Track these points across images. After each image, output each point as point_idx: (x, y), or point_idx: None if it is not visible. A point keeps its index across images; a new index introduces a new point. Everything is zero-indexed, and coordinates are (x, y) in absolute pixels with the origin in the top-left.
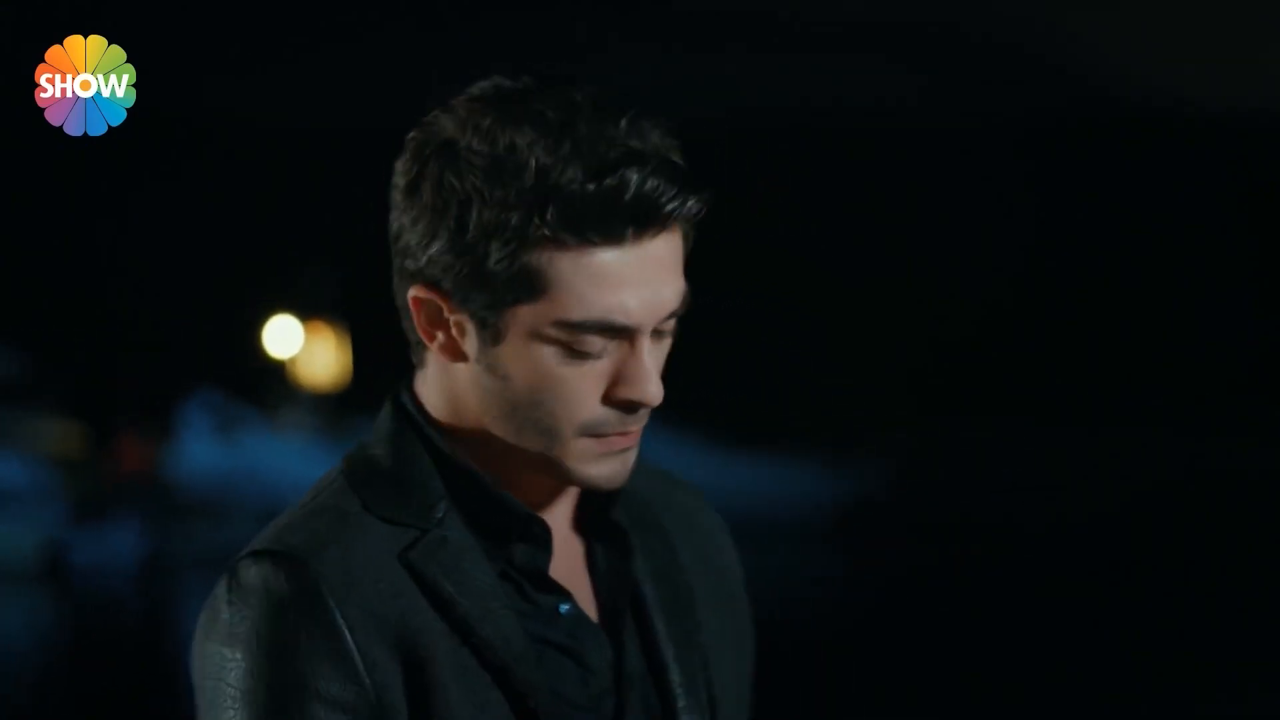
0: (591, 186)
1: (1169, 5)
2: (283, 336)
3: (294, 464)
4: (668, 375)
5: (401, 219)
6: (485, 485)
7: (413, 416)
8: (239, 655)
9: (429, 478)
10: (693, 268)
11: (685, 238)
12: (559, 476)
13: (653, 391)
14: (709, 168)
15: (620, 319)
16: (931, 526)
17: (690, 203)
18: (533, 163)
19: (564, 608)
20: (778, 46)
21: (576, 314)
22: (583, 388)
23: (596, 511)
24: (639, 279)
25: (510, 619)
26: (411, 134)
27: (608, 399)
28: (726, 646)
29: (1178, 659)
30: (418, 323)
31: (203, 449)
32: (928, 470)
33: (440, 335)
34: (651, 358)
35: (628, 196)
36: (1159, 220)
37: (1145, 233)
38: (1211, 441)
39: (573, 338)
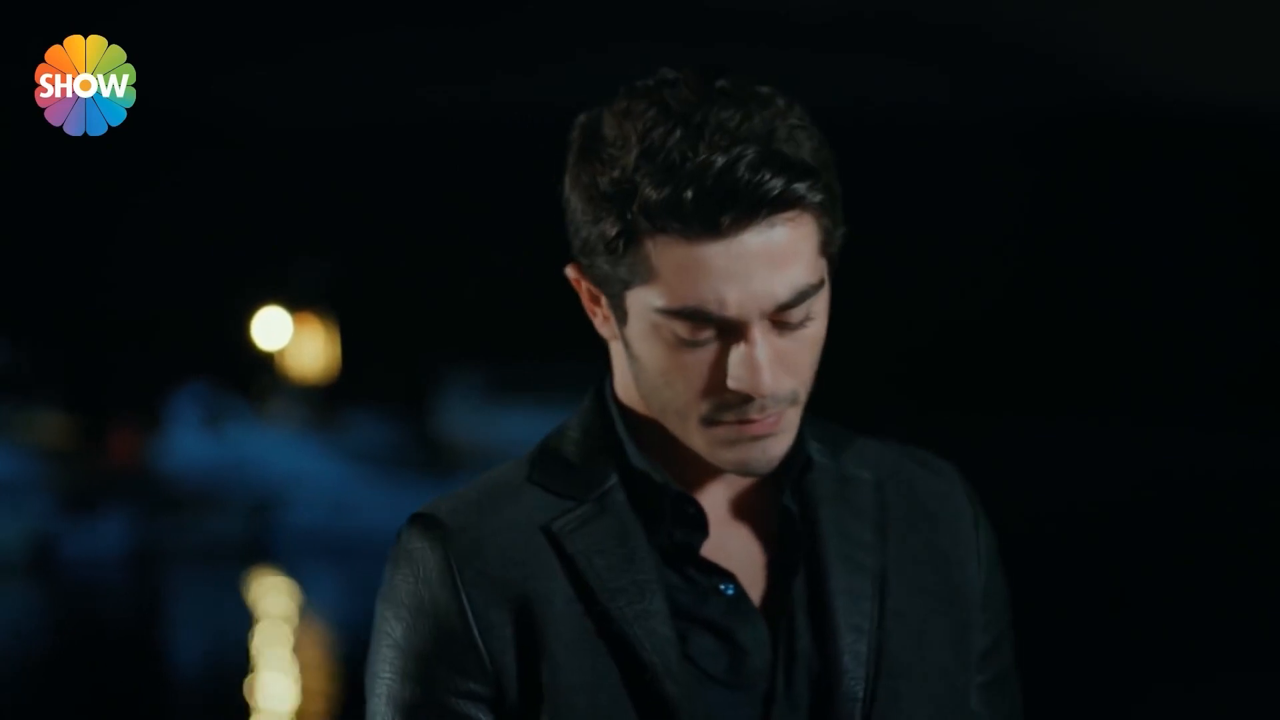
0: (681, 174)
1: (1169, 5)
2: (271, 328)
3: (282, 455)
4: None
5: (566, 201)
6: (641, 463)
7: (604, 397)
8: (388, 613)
9: (604, 456)
10: None
11: (820, 227)
12: (719, 466)
13: (757, 383)
14: None
15: (714, 309)
16: None
17: (796, 191)
18: (635, 151)
19: (727, 588)
20: (774, 43)
21: (672, 302)
22: (696, 376)
23: (770, 495)
24: (736, 270)
25: (648, 594)
26: (579, 118)
27: (721, 388)
28: (936, 637)
29: (1177, 657)
30: (583, 300)
31: (191, 441)
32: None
33: (598, 314)
34: (766, 349)
35: (713, 184)
36: (1160, 219)
37: (1146, 232)
38: (1212, 438)
39: (676, 325)
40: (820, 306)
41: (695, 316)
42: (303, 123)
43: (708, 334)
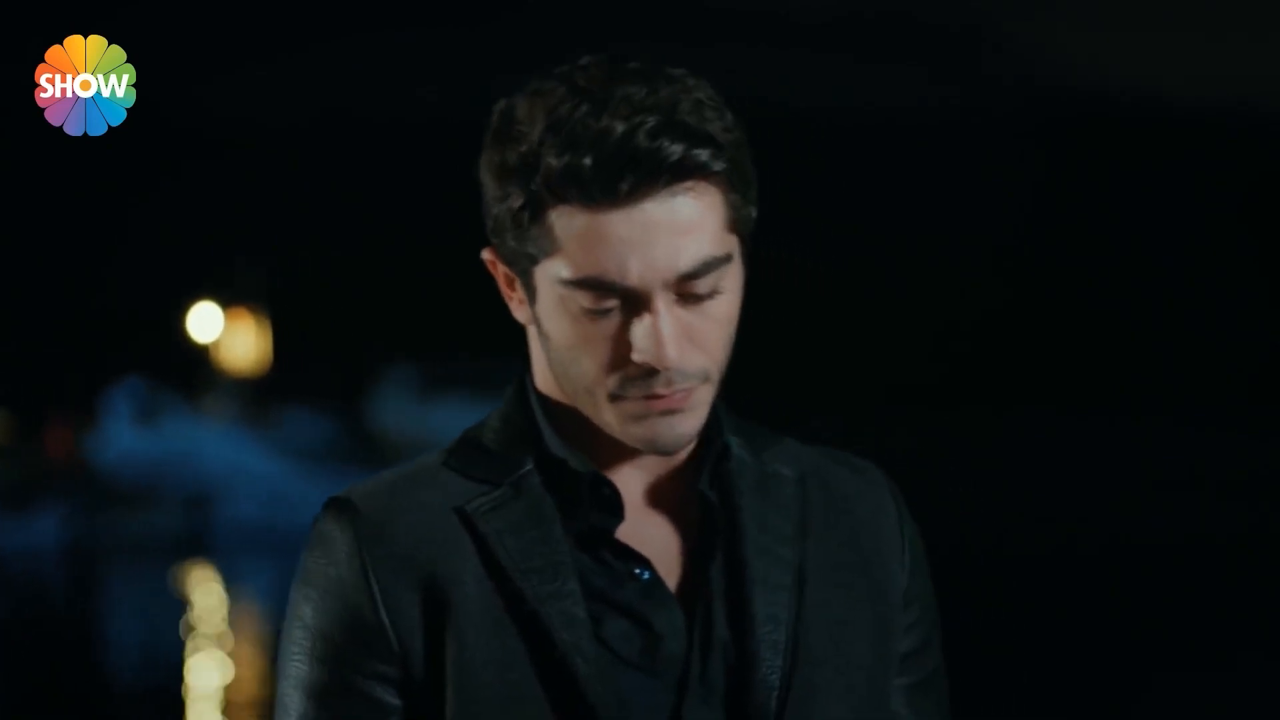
0: (581, 142)
1: (1170, 6)
2: (205, 323)
3: (218, 450)
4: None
5: (480, 183)
6: (558, 449)
7: (524, 387)
8: (298, 595)
9: (522, 443)
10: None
11: (726, 202)
12: (618, 438)
13: (661, 355)
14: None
15: (616, 278)
16: (926, 523)
17: (696, 158)
18: (541, 125)
19: (643, 573)
20: (774, 43)
21: (575, 272)
22: (602, 349)
23: (689, 483)
24: (637, 238)
25: (561, 575)
26: (497, 103)
27: (626, 361)
28: (855, 631)
29: (1177, 658)
30: (500, 285)
31: (127, 435)
32: (926, 464)
33: (513, 298)
34: (670, 321)
35: (612, 150)
36: (1160, 219)
37: (1146, 232)
38: (1218, 437)
39: (580, 296)
40: (730, 283)
41: (598, 286)
42: (235, 121)
43: (612, 304)
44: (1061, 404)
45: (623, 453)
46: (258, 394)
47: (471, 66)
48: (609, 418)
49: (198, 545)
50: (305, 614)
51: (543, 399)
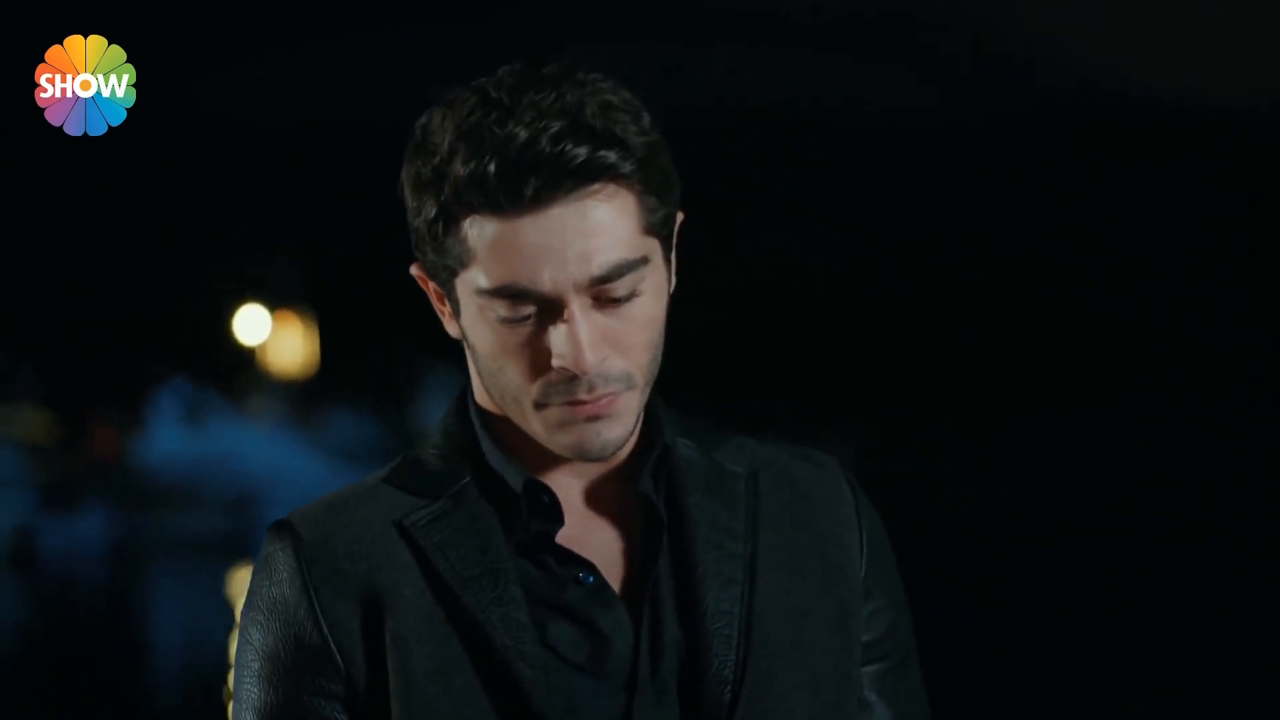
0: (486, 150)
1: (1170, 6)
2: (251, 325)
3: (262, 451)
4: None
5: (401, 199)
6: (496, 460)
7: (464, 399)
8: (246, 619)
9: (461, 457)
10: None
11: (641, 205)
12: (547, 447)
13: (580, 359)
14: (699, 164)
15: (529, 285)
16: (926, 522)
17: (602, 160)
18: (451, 135)
19: (586, 578)
20: (773, 42)
21: (490, 282)
22: (522, 357)
23: (632, 485)
24: (547, 244)
25: (502, 581)
26: (419, 119)
27: (546, 368)
28: (814, 619)
29: (1173, 656)
30: (432, 301)
31: (171, 436)
32: (916, 464)
33: (445, 312)
34: (587, 326)
35: (515, 156)
36: (1161, 220)
37: (1147, 232)
38: (1214, 439)
39: (497, 305)
40: (650, 285)
41: (512, 294)
42: (279, 121)
43: (529, 312)
44: (1062, 404)
45: (561, 462)
46: (303, 396)
47: (484, 66)
48: (536, 426)
49: (241, 546)
50: (254, 637)
51: (481, 411)
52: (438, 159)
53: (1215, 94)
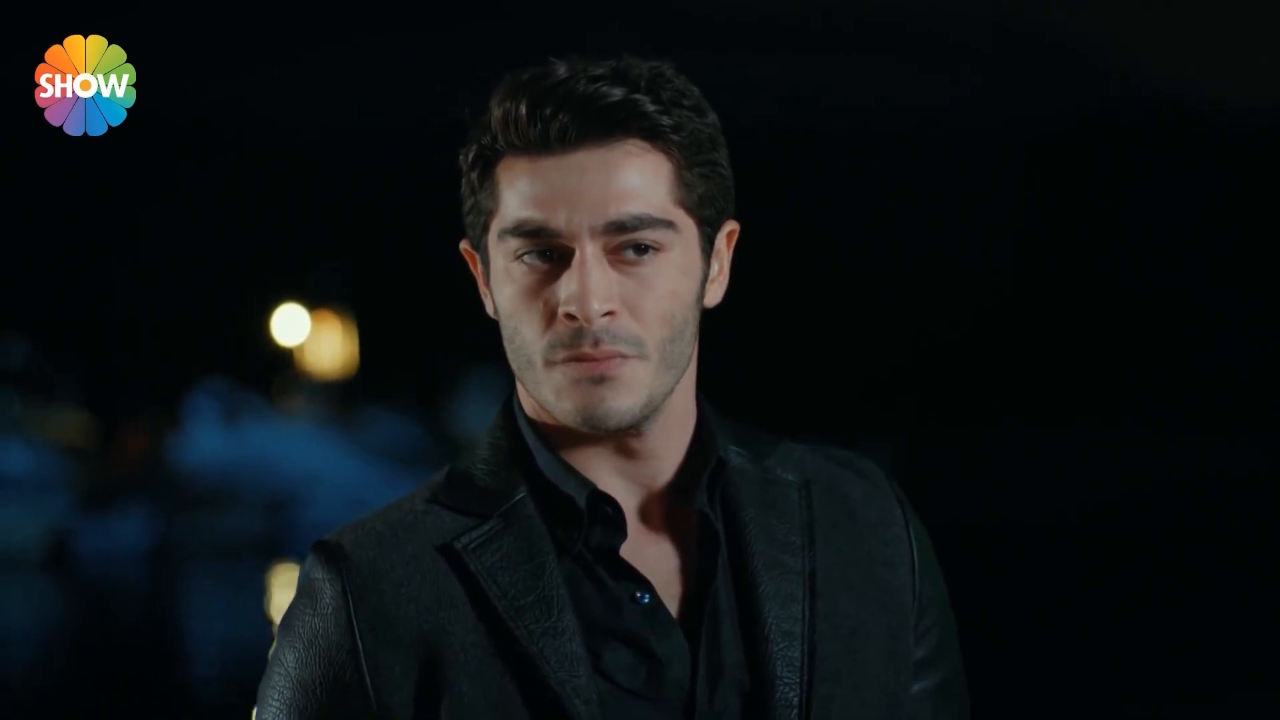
0: (523, 92)
1: (1171, 7)
2: (290, 325)
3: (300, 452)
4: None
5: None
6: (552, 469)
7: (510, 407)
8: (284, 640)
9: (513, 468)
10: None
11: (674, 168)
12: (558, 420)
13: (585, 304)
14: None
15: (541, 221)
16: (927, 525)
17: (635, 104)
18: (499, 95)
19: (643, 596)
20: (775, 45)
21: (509, 221)
22: (536, 310)
23: (687, 500)
24: (569, 185)
25: (555, 609)
26: None
27: (555, 318)
28: (868, 639)
29: (1168, 657)
30: (478, 284)
31: (209, 437)
32: (917, 471)
33: (485, 293)
34: (598, 274)
35: (549, 94)
36: (1161, 220)
37: (1147, 232)
38: (1199, 442)
39: (515, 247)
40: (675, 258)
41: (528, 231)
42: (320, 122)
43: (545, 251)
44: (1062, 404)
45: (618, 473)
46: (342, 396)
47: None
48: (546, 392)
49: (279, 548)
50: (288, 661)
51: (531, 423)
52: (484, 117)
53: (1215, 94)
